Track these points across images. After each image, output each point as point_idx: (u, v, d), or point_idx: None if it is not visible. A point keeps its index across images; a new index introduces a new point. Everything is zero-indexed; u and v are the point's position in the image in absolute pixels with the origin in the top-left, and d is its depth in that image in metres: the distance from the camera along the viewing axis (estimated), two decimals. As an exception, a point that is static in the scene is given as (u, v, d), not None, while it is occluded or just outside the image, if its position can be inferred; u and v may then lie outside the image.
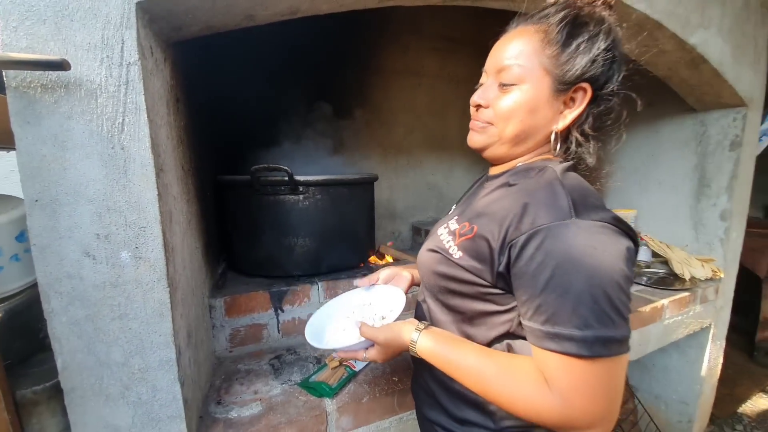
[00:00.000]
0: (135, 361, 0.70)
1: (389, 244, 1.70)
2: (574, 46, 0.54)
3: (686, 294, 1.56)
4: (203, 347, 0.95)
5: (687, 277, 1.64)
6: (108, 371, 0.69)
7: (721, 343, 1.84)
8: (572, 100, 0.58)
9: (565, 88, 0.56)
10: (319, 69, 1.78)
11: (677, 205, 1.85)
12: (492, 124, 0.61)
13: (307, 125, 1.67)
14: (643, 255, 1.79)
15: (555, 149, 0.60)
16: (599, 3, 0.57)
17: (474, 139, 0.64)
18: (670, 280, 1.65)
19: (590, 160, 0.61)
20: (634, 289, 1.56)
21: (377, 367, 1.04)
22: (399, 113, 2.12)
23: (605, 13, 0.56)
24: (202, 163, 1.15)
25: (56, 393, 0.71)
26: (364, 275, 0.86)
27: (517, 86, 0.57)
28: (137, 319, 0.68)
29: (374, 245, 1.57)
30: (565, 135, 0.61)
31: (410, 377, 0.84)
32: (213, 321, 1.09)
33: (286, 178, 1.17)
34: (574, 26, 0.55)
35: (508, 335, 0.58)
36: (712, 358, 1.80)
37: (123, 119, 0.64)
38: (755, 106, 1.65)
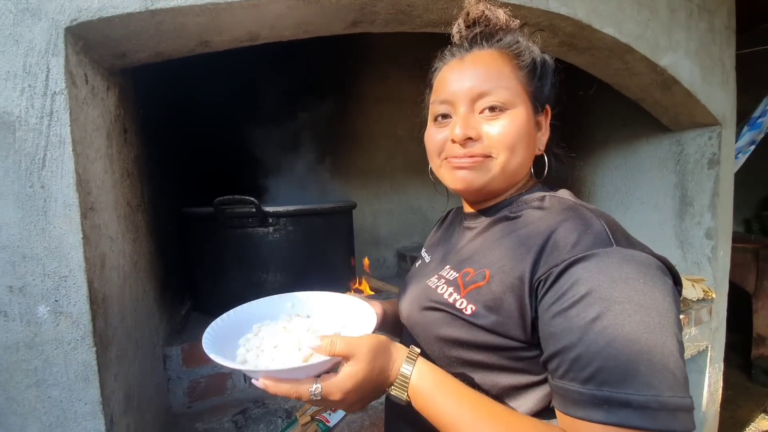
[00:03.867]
0: (55, 436, 0.59)
1: (365, 264, 1.50)
2: (540, 69, 0.54)
3: (680, 317, 1.50)
4: (152, 408, 0.83)
5: (678, 298, 1.59)
6: (22, 450, 0.58)
7: (720, 366, 1.77)
8: (538, 123, 0.56)
9: (539, 111, 0.55)
10: (297, 95, 1.74)
11: (662, 224, 1.83)
12: (490, 156, 0.51)
13: (285, 153, 1.62)
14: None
15: (543, 174, 0.57)
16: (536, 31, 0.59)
17: (469, 179, 0.52)
18: (661, 303, 1.59)
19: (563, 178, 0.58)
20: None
21: (355, 420, 0.92)
22: (380, 139, 2.09)
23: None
24: (160, 196, 1.06)
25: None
26: None
27: (509, 111, 0.50)
28: (58, 386, 0.58)
29: (356, 275, 1.48)
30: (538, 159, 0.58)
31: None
32: (168, 373, 0.97)
33: (254, 210, 1.09)
34: (532, 51, 0.55)
35: (547, 411, 0.45)
36: (712, 382, 1.72)
37: (45, 154, 0.56)
38: (728, 125, 1.67)
